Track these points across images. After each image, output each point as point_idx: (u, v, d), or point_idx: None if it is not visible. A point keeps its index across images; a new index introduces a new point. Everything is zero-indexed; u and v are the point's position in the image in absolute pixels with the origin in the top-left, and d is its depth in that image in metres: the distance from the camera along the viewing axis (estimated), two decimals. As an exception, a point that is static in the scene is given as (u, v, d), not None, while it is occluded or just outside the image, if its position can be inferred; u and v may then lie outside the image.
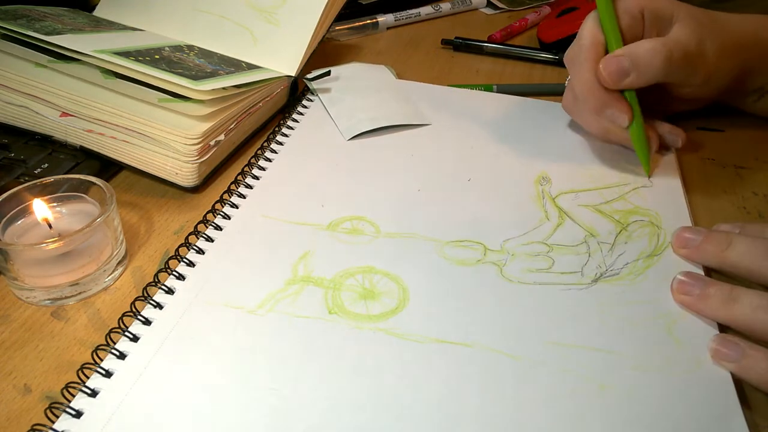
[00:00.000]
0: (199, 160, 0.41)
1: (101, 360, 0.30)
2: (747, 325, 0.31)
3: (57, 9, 0.54)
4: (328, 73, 0.54)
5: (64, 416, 0.27)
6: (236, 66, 0.49)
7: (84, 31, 0.49)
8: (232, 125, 0.44)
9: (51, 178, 0.37)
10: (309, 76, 0.54)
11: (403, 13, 0.71)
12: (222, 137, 0.43)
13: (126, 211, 0.41)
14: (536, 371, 0.30)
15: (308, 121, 0.50)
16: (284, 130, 0.48)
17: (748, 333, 0.31)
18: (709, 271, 0.36)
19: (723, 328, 0.32)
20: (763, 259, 0.33)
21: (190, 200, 0.42)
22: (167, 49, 0.49)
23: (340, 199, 0.41)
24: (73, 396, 0.28)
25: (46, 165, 0.42)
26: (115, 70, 0.43)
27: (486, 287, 0.35)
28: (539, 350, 0.31)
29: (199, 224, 0.38)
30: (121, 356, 0.30)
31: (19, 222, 0.35)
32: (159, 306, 0.32)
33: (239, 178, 0.43)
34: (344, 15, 0.62)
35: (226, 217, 0.39)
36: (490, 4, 0.77)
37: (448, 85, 0.56)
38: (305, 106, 0.52)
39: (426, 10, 0.73)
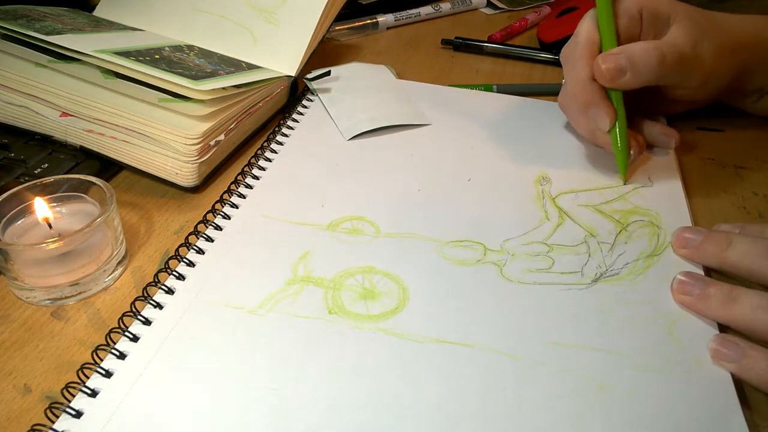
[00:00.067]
0: (199, 160, 0.41)
1: (101, 360, 0.30)
2: (747, 325, 0.31)
3: (57, 9, 0.54)
4: (328, 73, 0.54)
5: (64, 416, 0.27)
6: (236, 66, 0.49)
7: (84, 31, 0.49)
8: (232, 125, 0.44)
9: (51, 178, 0.37)
10: (309, 76, 0.54)
11: (403, 13, 0.71)
12: (222, 137, 0.43)
13: (126, 211, 0.41)
14: (536, 371, 0.30)
15: (308, 121, 0.50)
16: (284, 130, 0.48)
17: (748, 333, 0.31)
18: (709, 271, 0.36)
19: (723, 328, 0.32)
20: (763, 259, 0.33)
21: (190, 200, 0.42)
22: (167, 49, 0.49)
23: (340, 199, 0.41)
24: (73, 396, 0.28)
25: (46, 165, 0.42)
26: (115, 70, 0.43)
27: (486, 287, 0.35)
28: (539, 350, 0.31)
29: (199, 224, 0.38)
30: (121, 356, 0.30)
31: (19, 222, 0.35)
32: (159, 306, 0.32)
33: (239, 178, 0.43)
34: (344, 15, 0.62)
35: (226, 217, 0.39)
36: (490, 4, 0.77)
37: (448, 85, 0.56)
38: (305, 106, 0.52)
39: (426, 10, 0.73)
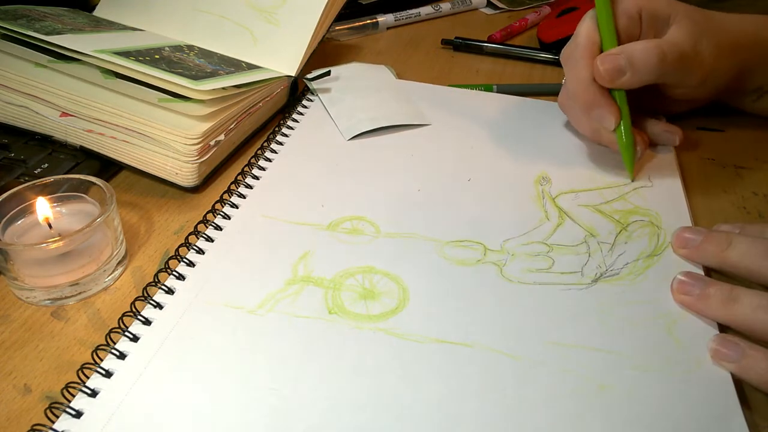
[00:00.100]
0: (199, 160, 0.41)
1: (101, 360, 0.30)
2: (747, 325, 0.31)
3: (57, 9, 0.54)
4: (328, 73, 0.54)
5: (64, 416, 0.27)
6: (236, 66, 0.49)
7: (84, 31, 0.49)
8: (232, 125, 0.44)
9: (51, 178, 0.37)
10: (309, 76, 0.54)
11: (403, 13, 0.71)
12: (222, 137, 0.43)
13: (126, 211, 0.41)
14: (536, 371, 0.30)
15: (308, 121, 0.50)
16: (284, 130, 0.48)
17: (748, 333, 0.31)
18: (709, 271, 0.36)
19: (723, 328, 0.32)
20: (763, 259, 0.33)
21: (190, 200, 0.42)
22: (167, 49, 0.49)
23: (340, 199, 0.41)
24: (73, 396, 0.28)
25: (46, 165, 0.42)
26: (115, 70, 0.43)
27: (486, 287, 0.35)
28: (539, 350, 0.31)
29: (199, 224, 0.38)
30: (121, 356, 0.30)
31: (19, 222, 0.35)
32: (159, 306, 0.32)
33: (239, 178, 0.43)
34: (344, 15, 0.62)
35: (226, 217, 0.39)
36: (490, 4, 0.77)
37: (448, 85, 0.56)
38: (305, 106, 0.52)
39: (426, 10, 0.73)
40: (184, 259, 0.35)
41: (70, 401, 0.28)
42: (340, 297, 0.34)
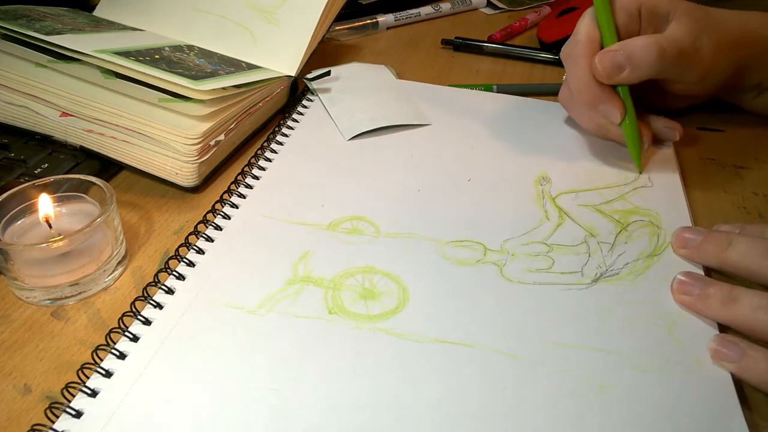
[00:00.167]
0: (199, 160, 0.41)
1: (101, 360, 0.30)
2: (747, 325, 0.31)
3: (57, 9, 0.54)
4: (328, 73, 0.54)
5: (64, 416, 0.27)
6: (236, 66, 0.49)
7: (84, 31, 0.49)
8: (232, 125, 0.44)
9: (51, 178, 0.37)
10: (309, 76, 0.54)
11: (403, 13, 0.71)
12: (222, 137, 0.43)
13: (126, 211, 0.41)
14: (536, 371, 0.30)
15: (308, 121, 0.50)
16: (284, 130, 0.48)
17: (748, 333, 0.31)
18: (709, 271, 0.36)
19: (723, 328, 0.32)
20: (763, 259, 0.33)
21: (190, 200, 0.42)
22: (167, 49, 0.49)
23: (340, 199, 0.41)
24: (73, 396, 0.28)
25: (46, 165, 0.42)
26: (115, 70, 0.43)
27: (486, 287, 0.35)
28: (539, 350, 0.31)
29: (199, 224, 0.38)
30: (121, 356, 0.30)
31: (19, 222, 0.35)
32: (159, 306, 0.32)
33: (239, 178, 0.43)
34: (344, 15, 0.62)
35: (226, 217, 0.39)
36: (490, 4, 0.77)
37: (448, 85, 0.56)
38: (305, 106, 0.52)
39: (426, 10, 0.73)
40: (184, 259, 0.35)
41: (70, 401, 0.28)
42: (340, 297, 0.34)
